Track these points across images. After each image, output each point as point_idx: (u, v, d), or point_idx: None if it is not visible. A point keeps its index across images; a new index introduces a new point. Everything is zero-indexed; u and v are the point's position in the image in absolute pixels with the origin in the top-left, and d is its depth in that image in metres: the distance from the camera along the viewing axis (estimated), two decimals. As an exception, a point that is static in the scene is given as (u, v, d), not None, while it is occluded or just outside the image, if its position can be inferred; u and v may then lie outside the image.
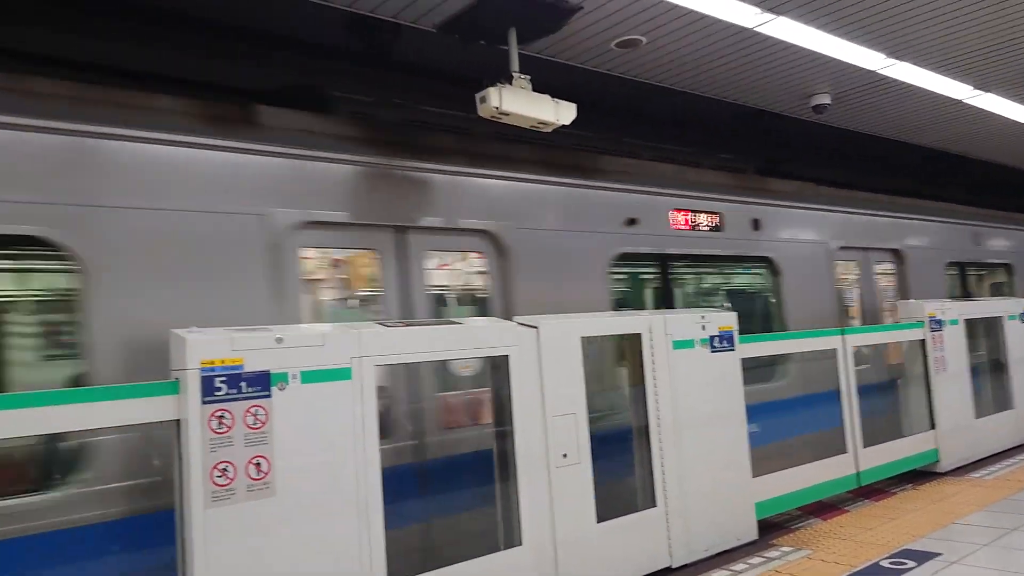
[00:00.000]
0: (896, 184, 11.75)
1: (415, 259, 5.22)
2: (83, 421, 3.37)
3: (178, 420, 3.53)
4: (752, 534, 5.83)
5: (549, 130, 5.28)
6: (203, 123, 4.50)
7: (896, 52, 6.68)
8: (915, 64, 7.04)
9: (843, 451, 7.00)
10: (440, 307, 5.43)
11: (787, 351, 6.96)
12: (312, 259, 4.88)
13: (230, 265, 4.37)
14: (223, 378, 3.56)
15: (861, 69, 7.00)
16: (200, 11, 5.73)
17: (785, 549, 5.50)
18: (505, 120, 5.02)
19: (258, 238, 4.49)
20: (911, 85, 7.55)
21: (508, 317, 5.25)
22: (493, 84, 4.89)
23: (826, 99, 7.67)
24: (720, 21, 5.65)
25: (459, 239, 5.50)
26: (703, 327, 5.73)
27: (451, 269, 5.60)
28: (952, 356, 8.19)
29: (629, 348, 5.54)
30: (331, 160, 4.88)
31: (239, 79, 5.99)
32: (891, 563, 5.02)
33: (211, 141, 4.45)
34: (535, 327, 4.84)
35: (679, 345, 5.57)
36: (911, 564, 4.96)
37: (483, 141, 5.89)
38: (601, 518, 4.96)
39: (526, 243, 5.69)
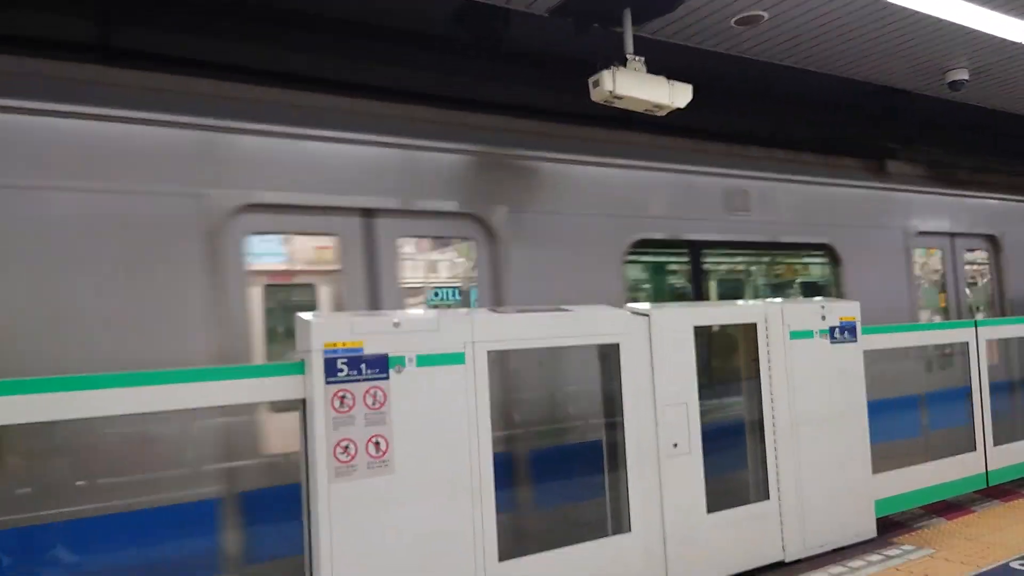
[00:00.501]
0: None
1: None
2: (216, 398, 3.59)
3: (304, 399, 3.72)
4: (871, 531, 5.61)
5: (663, 113, 5.17)
6: None
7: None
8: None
9: (971, 449, 6.60)
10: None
11: (914, 343, 6.59)
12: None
13: None
14: (345, 360, 3.71)
15: (1003, 41, 6.47)
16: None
17: (906, 547, 5.26)
18: (619, 104, 4.95)
19: None
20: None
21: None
22: (607, 67, 4.82)
23: (963, 74, 7.14)
24: (847, -7, 5.34)
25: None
26: (823, 317, 5.50)
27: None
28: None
29: (744, 338, 5.39)
30: None
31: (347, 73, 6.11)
32: (1021, 564, 4.72)
33: None
34: (646, 315, 4.79)
35: (797, 335, 5.37)
36: (1045, 570, 4.65)
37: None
38: (712, 509, 4.89)
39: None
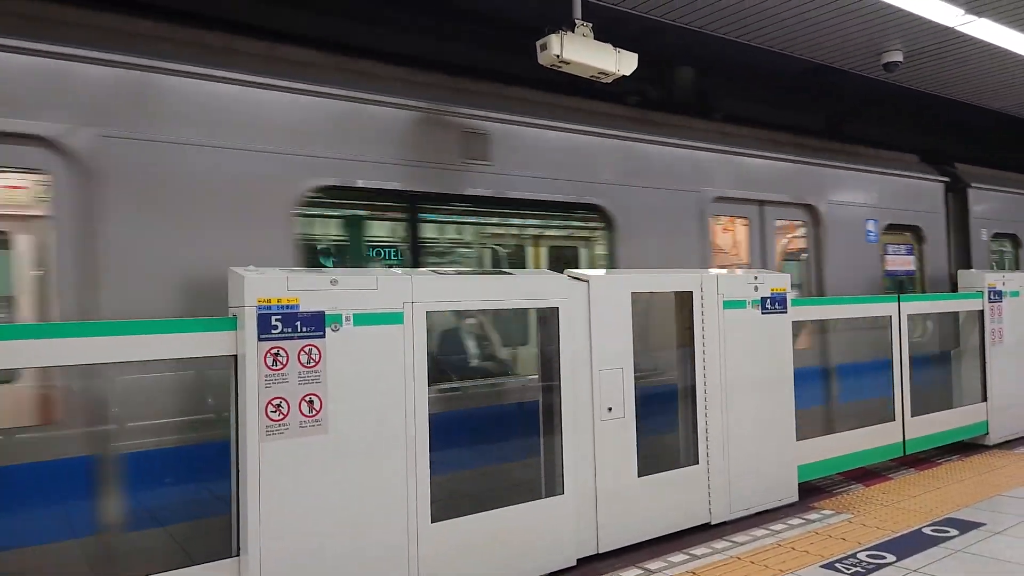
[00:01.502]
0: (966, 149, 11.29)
1: None
2: (144, 352, 3.47)
3: (235, 355, 3.62)
4: (793, 496, 5.83)
5: (609, 80, 5.16)
6: None
7: (975, 7, 6.34)
8: (994, 20, 6.67)
9: (890, 419, 6.90)
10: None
11: (840, 316, 6.82)
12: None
13: None
14: (279, 316, 3.63)
15: (937, 25, 6.67)
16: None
17: (826, 512, 5.49)
18: (565, 69, 4.92)
19: None
20: (989, 43, 7.18)
21: None
22: (555, 32, 4.78)
23: (898, 56, 7.35)
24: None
25: None
26: (755, 288, 5.64)
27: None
28: (1010, 329, 7.95)
29: (679, 306, 5.49)
30: None
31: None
32: (933, 530, 4.98)
33: None
34: (586, 280, 4.82)
35: (730, 305, 5.50)
36: (954, 532, 4.91)
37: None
38: (642, 472, 4.99)
39: None
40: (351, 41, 5.97)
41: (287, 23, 5.92)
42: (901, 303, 7.04)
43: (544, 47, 4.83)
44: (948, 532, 4.93)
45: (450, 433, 4.61)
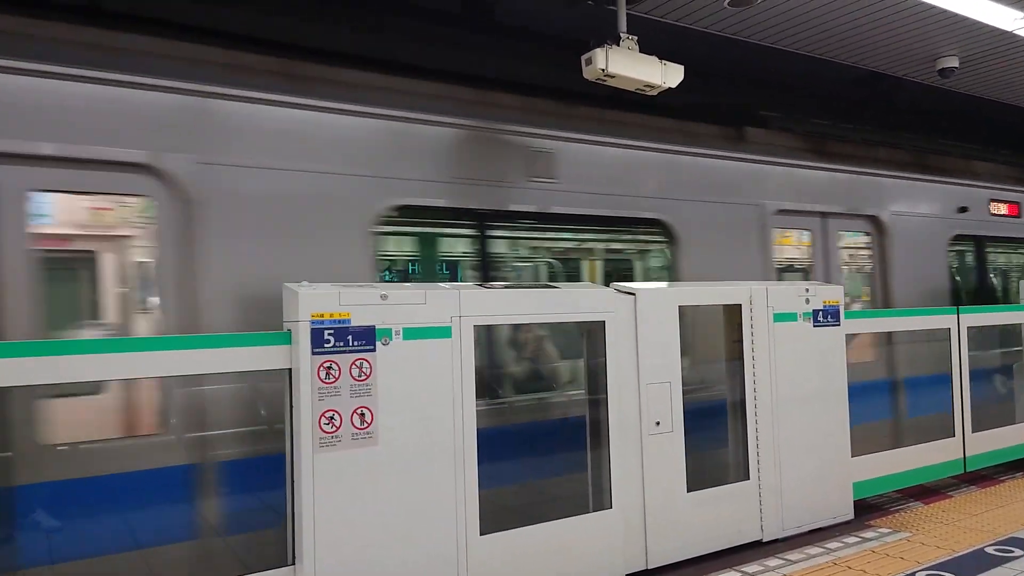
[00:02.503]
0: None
1: None
2: (204, 366, 3.59)
3: (290, 369, 3.72)
4: (848, 513, 5.69)
5: (655, 93, 5.17)
6: None
7: (1035, 9, 6.17)
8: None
9: (950, 435, 6.70)
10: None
11: (896, 328, 6.66)
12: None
13: None
14: (331, 331, 3.71)
15: (993, 28, 6.51)
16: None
17: (883, 530, 5.34)
18: (611, 82, 4.95)
19: None
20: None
21: None
22: (599, 45, 4.81)
23: (954, 62, 7.18)
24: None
25: None
26: (807, 300, 5.54)
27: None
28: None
29: (728, 319, 5.43)
30: None
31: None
32: (996, 550, 4.80)
33: None
34: (632, 294, 4.81)
35: (780, 318, 5.41)
36: (1018, 552, 4.73)
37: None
38: (692, 487, 4.94)
39: None
40: (402, 59, 6.07)
41: (346, 45, 6.08)
42: (961, 315, 6.84)
43: (589, 61, 4.86)
44: (1012, 552, 4.75)
45: (498, 446, 4.64)
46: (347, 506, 3.69)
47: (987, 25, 6.39)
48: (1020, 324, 7.63)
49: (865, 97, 8.74)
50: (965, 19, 6.25)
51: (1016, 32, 6.56)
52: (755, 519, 5.23)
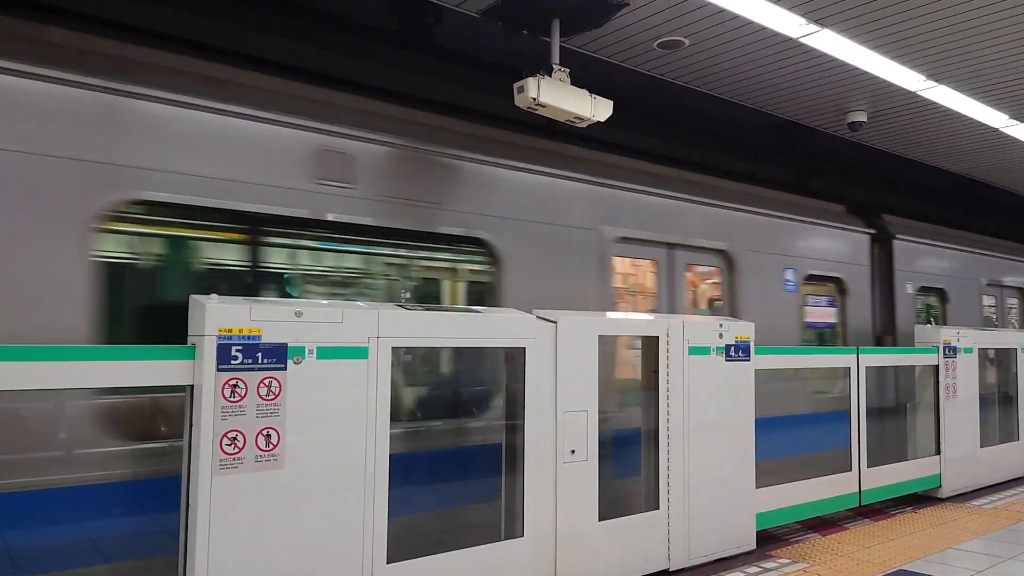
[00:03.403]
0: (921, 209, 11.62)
1: None
2: (99, 379, 3.38)
3: (191, 385, 3.54)
4: (751, 543, 5.83)
5: (584, 125, 5.24)
6: None
7: (936, 74, 6.61)
8: (954, 88, 6.96)
9: (847, 469, 6.98)
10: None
11: (801, 365, 6.91)
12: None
13: None
14: (240, 347, 3.55)
15: (900, 89, 6.93)
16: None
17: (782, 561, 5.49)
18: (541, 112, 4.99)
19: None
20: (949, 109, 7.47)
21: None
22: (532, 75, 4.85)
23: (862, 116, 7.59)
24: (765, 29, 5.59)
25: None
26: (720, 335, 5.69)
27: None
28: (963, 384, 8.14)
29: (645, 350, 5.51)
30: None
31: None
32: (887, 582, 5.01)
33: None
34: (554, 321, 4.82)
35: (695, 351, 5.54)
36: (907, 587, 4.95)
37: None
38: (603, 516, 4.96)
39: None
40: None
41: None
42: (860, 355, 7.16)
43: (521, 89, 4.89)
44: (901, 585, 4.97)
45: (411, 472, 4.54)
46: (246, 532, 3.51)
47: (894, 84, 6.80)
48: (914, 366, 8.06)
49: (783, 145, 9.14)
50: (875, 77, 6.62)
51: (921, 93, 6.99)
52: (663, 548, 5.29)
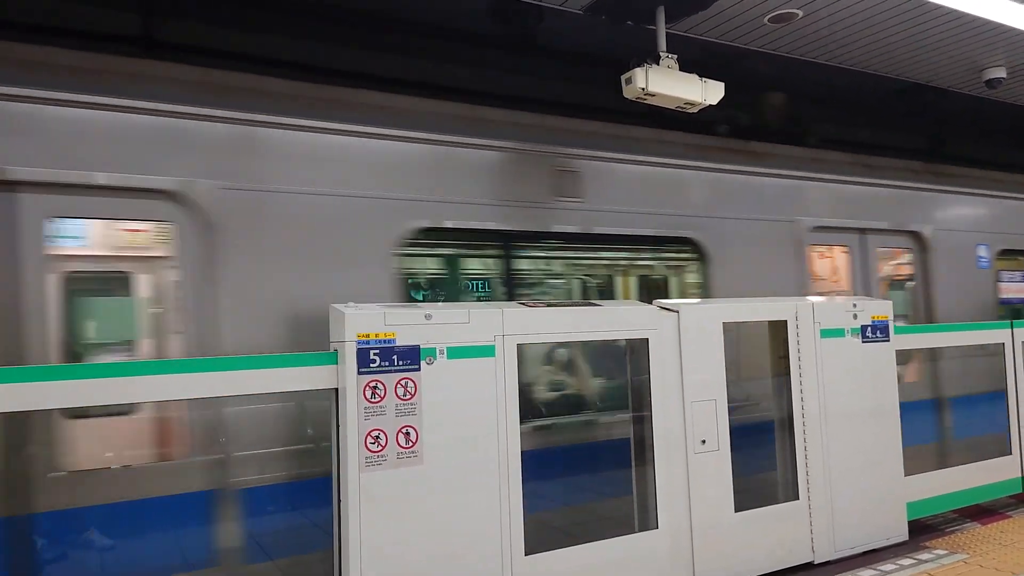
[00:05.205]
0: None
1: None
2: (252, 387, 3.65)
3: (336, 389, 3.77)
4: (902, 534, 5.54)
5: (695, 110, 5.16)
6: None
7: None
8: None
9: (1006, 453, 6.50)
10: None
11: (948, 343, 6.50)
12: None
13: None
14: (377, 350, 3.76)
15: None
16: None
17: (939, 552, 5.18)
18: (651, 101, 4.95)
19: None
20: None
21: None
22: (639, 65, 4.82)
23: (1001, 72, 7.03)
24: (884, -10, 5.29)
25: None
26: (855, 316, 5.45)
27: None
28: None
29: (773, 335, 5.36)
30: None
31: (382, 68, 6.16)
32: (1059, 574, 4.63)
33: None
34: (676, 311, 4.78)
35: (828, 334, 5.33)
36: (1084, 578, 4.56)
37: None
38: (739, 507, 4.86)
39: None
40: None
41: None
42: (1015, 329, 6.64)
43: (629, 80, 4.87)
44: (1077, 577, 4.58)
45: (542, 466, 4.63)
46: (393, 525, 3.71)
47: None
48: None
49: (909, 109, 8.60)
50: (1011, 28, 6.12)
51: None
52: (806, 540, 5.12)
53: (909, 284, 7.49)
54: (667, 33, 5.20)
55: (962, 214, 7.87)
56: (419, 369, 3.86)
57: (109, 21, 5.19)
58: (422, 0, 5.92)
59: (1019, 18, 5.91)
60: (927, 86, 7.54)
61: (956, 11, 5.69)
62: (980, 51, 6.64)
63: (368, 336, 3.75)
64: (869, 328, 5.50)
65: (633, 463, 4.72)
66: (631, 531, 4.55)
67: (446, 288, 5.46)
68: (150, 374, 3.40)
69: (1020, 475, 6.53)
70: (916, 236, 7.42)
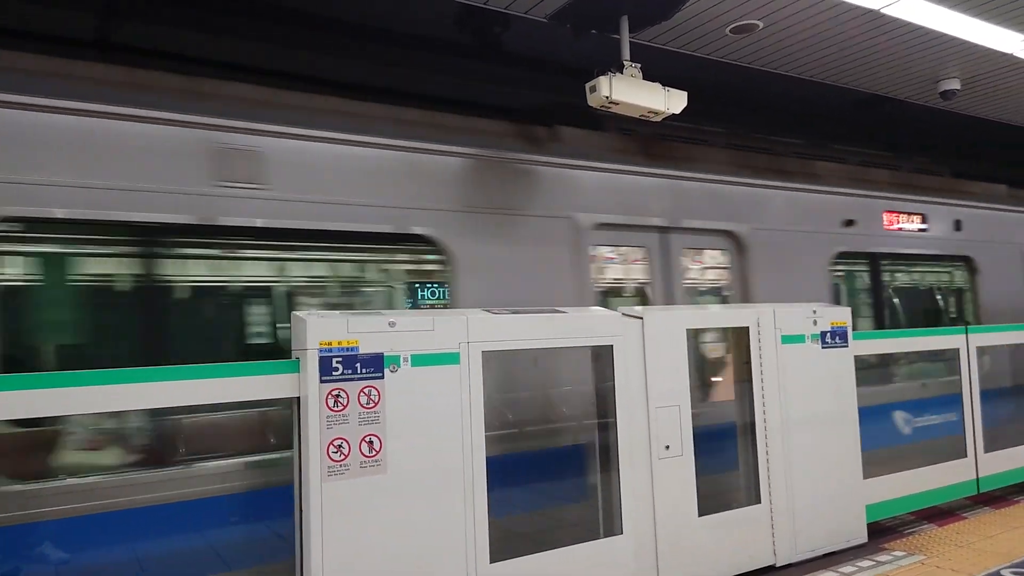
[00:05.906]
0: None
1: None
2: (211, 395, 3.60)
3: (298, 397, 3.72)
4: (862, 537, 5.64)
5: (659, 119, 5.21)
6: None
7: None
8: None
9: (963, 455, 6.64)
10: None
11: (905, 349, 6.63)
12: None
13: None
14: (339, 358, 3.72)
15: (995, 52, 6.55)
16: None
17: (897, 554, 5.28)
18: (614, 109, 4.99)
19: None
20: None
21: None
22: (604, 73, 4.86)
23: (955, 84, 7.22)
24: (843, 3, 5.40)
25: None
26: (814, 322, 5.54)
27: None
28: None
29: (735, 341, 5.43)
30: None
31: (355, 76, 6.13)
32: (1013, 572, 4.73)
33: None
34: (640, 317, 4.82)
35: (788, 340, 5.41)
36: (1036, 576, 4.68)
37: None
38: (703, 512, 4.91)
39: None
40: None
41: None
42: (969, 335, 6.81)
43: (593, 89, 4.91)
44: (1030, 575, 4.70)
45: (506, 473, 4.62)
46: (356, 536, 3.68)
47: (988, 48, 6.43)
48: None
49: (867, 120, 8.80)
50: (966, 42, 6.29)
51: (1019, 55, 6.60)
52: (767, 543, 5.19)
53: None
54: (631, 43, 5.25)
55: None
56: (383, 377, 3.83)
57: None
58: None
59: (972, 31, 6.08)
60: (885, 97, 7.72)
61: (911, 23, 5.84)
62: (935, 64, 6.82)
63: (331, 344, 3.71)
64: (828, 334, 5.60)
65: (599, 468, 4.74)
66: (596, 536, 4.56)
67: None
68: (100, 384, 3.32)
69: (975, 477, 6.68)
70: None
